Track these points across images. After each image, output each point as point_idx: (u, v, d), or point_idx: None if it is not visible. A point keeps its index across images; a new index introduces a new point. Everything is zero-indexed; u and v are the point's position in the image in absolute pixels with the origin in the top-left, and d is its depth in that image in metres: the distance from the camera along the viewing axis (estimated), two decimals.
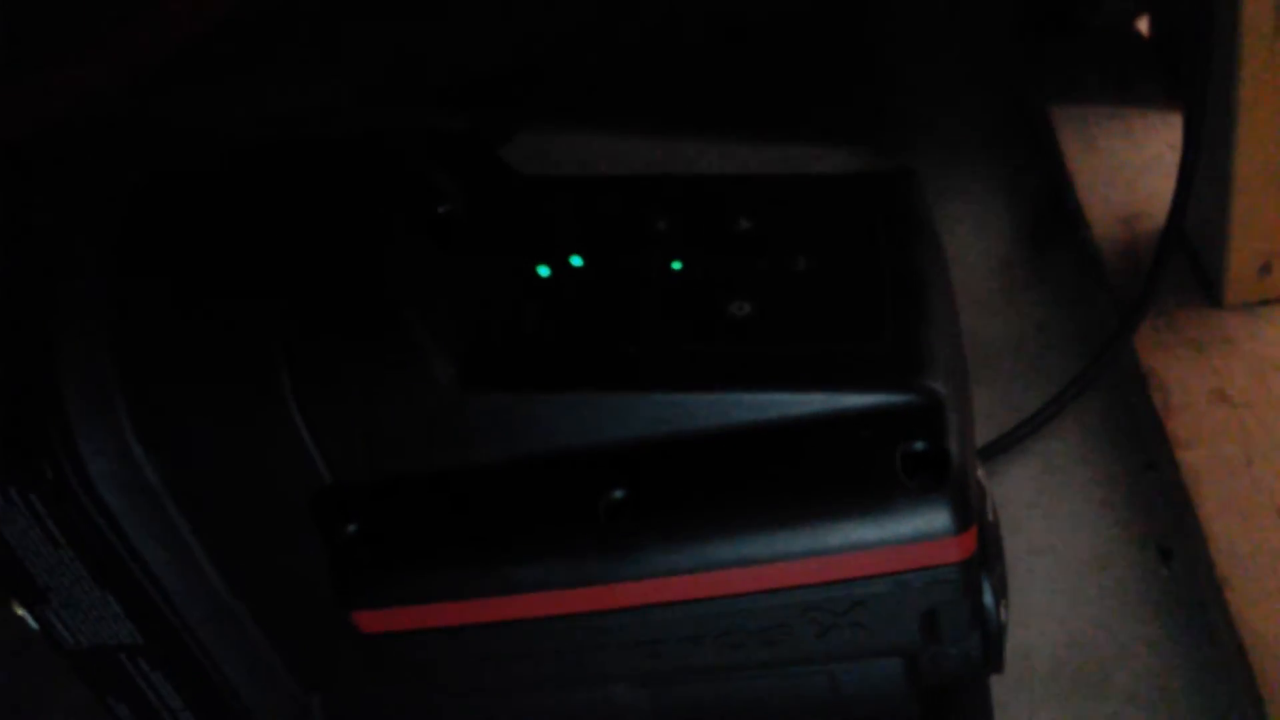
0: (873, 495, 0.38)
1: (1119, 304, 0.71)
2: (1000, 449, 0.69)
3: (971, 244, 0.83)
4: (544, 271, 0.43)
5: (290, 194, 0.42)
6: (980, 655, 0.47)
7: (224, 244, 0.42)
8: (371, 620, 0.40)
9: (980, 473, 0.47)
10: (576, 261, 0.43)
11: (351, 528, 0.40)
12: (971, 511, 0.38)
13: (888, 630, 0.40)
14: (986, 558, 0.45)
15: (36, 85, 0.43)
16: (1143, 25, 0.88)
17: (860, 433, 0.38)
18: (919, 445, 0.38)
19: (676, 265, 0.43)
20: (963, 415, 0.40)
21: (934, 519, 0.37)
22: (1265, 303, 0.68)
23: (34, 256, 0.41)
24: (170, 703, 0.46)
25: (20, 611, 0.47)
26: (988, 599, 0.46)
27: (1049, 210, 0.83)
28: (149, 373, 0.41)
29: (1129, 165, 0.79)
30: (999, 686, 0.59)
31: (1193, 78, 0.64)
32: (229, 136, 0.46)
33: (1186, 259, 0.71)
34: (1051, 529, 0.67)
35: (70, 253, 0.41)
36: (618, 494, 0.39)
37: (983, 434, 0.70)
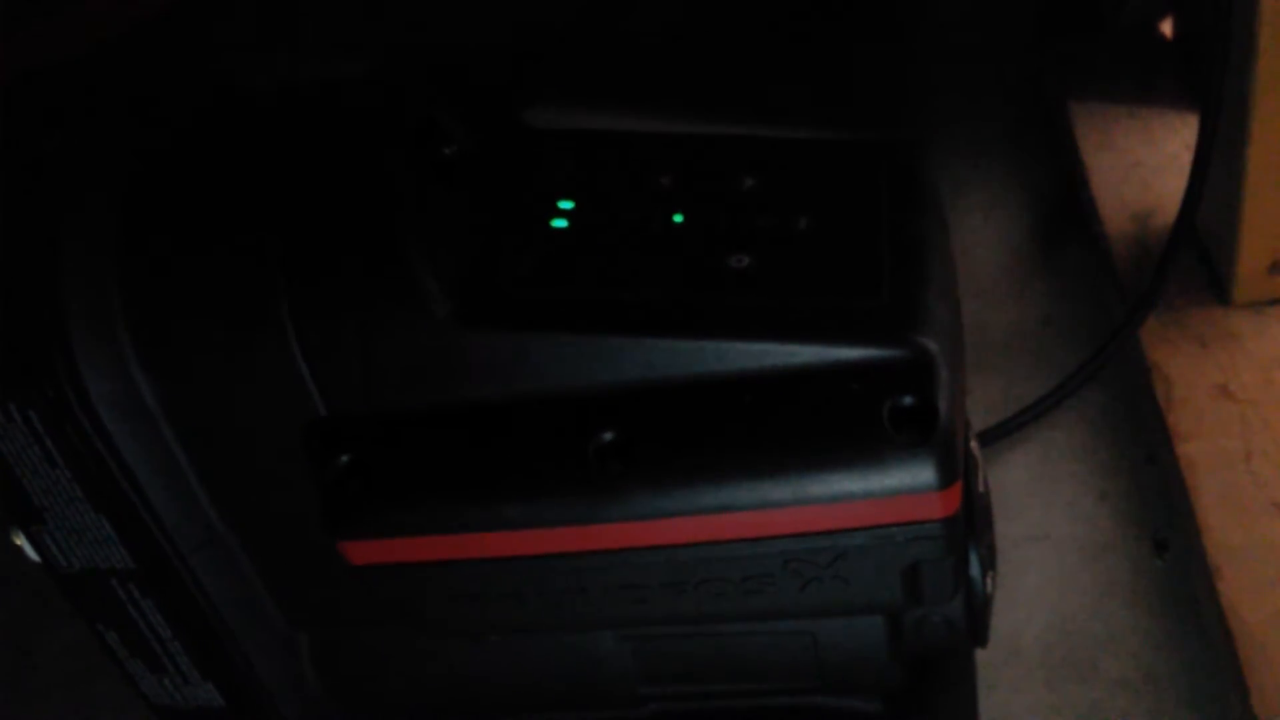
0: (859, 447, 0.38)
1: (1127, 299, 0.71)
2: (1000, 435, 0.69)
3: (983, 236, 0.83)
4: (546, 217, 0.43)
5: (297, 131, 0.43)
6: (964, 625, 0.47)
7: (229, 177, 0.42)
8: (359, 551, 0.41)
9: (974, 445, 0.47)
10: (579, 209, 0.43)
11: (344, 458, 0.40)
12: (957, 468, 0.38)
13: (870, 586, 0.40)
14: (975, 527, 0.45)
15: (50, 21, 0.44)
16: (1166, 27, 0.88)
17: (850, 385, 0.39)
18: (907, 400, 0.38)
19: (678, 218, 0.43)
20: (954, 375, 0.40)
21: (919, 473, 0.38)
22: (1273, 302, 0.68)
23: (43, 181, 0.42)
24: (160, 631, 0.46)
25: (19, 540, 0.48)
26: (974, 569, 0.46)
27: (1062, 205, 0.83)
28: (152, 297, 0.41)
29: (1145, 164, 0.79)
30: (986, 668, 0.60)
31: (1209, 74, 0.64)
32: (242, 78, 0.47)
33: (1197, 256, 0.71)
34: (1048, 517, 0.67)
35: (79, 178, 0.42)
36: (608, 436, 0.39)
37: (985, 423, 0.70)
